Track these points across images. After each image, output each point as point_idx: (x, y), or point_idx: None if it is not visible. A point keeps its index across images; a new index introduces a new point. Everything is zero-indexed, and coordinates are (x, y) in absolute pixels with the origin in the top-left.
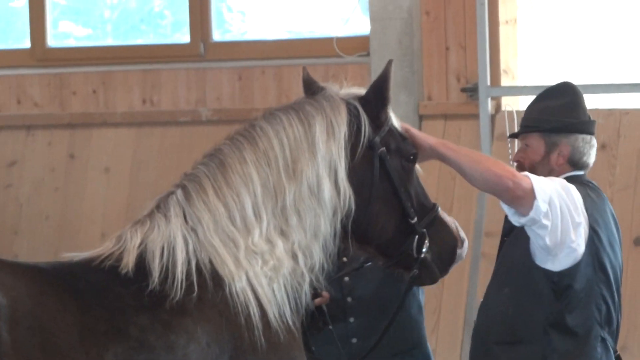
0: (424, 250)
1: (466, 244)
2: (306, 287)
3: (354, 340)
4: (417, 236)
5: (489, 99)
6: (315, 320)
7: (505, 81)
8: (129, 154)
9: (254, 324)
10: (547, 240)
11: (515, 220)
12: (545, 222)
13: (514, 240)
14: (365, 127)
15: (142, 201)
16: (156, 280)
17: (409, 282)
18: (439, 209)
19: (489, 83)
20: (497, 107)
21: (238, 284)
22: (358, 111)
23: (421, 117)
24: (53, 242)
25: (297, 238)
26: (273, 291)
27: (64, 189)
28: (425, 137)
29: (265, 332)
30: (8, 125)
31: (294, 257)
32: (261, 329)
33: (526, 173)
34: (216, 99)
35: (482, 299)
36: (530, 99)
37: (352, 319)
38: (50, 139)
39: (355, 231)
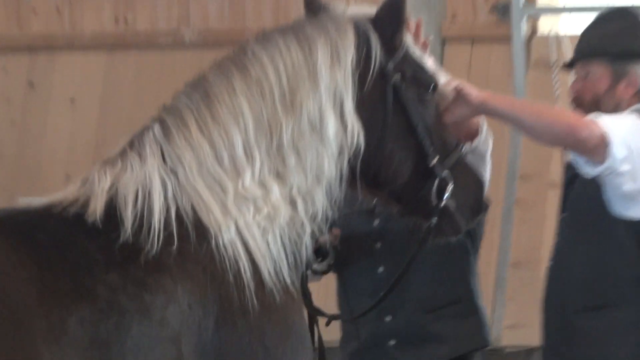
0: (445, 196)
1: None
2: (307, 239)
3: (380, 269)
4: (437, 180)
5: (524, 20)
6: (319, 260)
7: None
8: (98, 82)
9: (244, 282)
10: (628, 186)
11: (588, 171)
12: (624, 168)
13: (582, 189)
14: (377, 52)
15: (113, 138)
16: (129, 230)
17: (425, 232)
18: (464, 148)
19: (523, 1)
20: (534, 30)
21: (226, 235)
22: (368, 33)
23: (444, 41)
24: (7, 185)
25: (296, 181)
26: (267, 244)
27: (21, 122)
28: (474, 92)
29: (258, 292)
30: None
31: (293, 203)
32: (253, 288)
33: (594, 115)
34: (202, 18)
35: (550, 261)
36: (572, 19)
37: (381, 269)
38: (4, 63)
39: (366, 173)
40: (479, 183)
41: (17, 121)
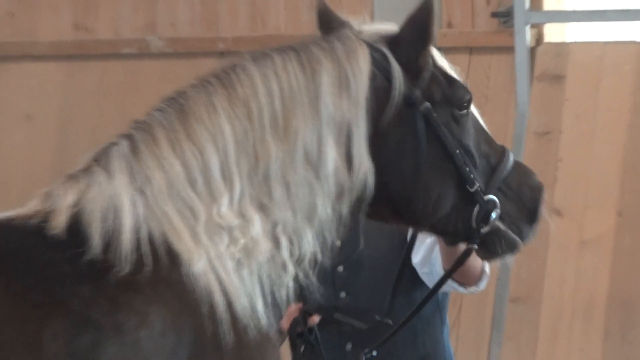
0: (491, 219)
1: (487, 276)
2: (288, 281)
3: (349, 346)
4: (478, 207)
5: (528, 27)
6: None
7: (548, 4)
8: (57, 95)
9: (217, 315)
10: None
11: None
12: None
13: None
14: (399, 80)
15: (74, 156)
16: (97, 246)
17: (462, 256)
18: (511, 155)
19: (527, 6)
20: (539, 38)
21: (197, 265)
22: (387, 59)
23: (440, 50)
24: None
25: (281, 218)
26: (242, 278)
27: None
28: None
29: (232, 328)
30: None
31: (275, 241)
32: (227, 323)
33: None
34: (170, 26)
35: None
36: (581, 26)
37: (343, 294)
38: None
39: (404, 212)
40: (534, 188)
41: None
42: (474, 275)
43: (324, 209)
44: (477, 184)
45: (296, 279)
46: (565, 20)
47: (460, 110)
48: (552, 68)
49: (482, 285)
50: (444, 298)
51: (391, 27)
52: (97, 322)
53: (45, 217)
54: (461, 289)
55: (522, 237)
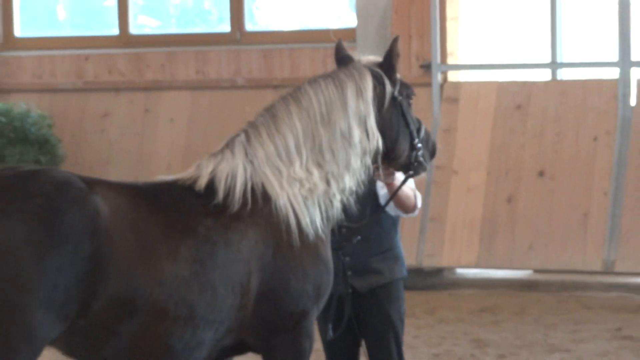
0: (419, 155)
1: (418, 208)
2: (337, 204)
3: (347, 259)
4: (417, 149)
5: (439, 73)
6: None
7: (450, 60)
8: (187, 109)
9: (291, 229)
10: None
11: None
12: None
13: None
14: (389, 87)
15: (196, 142)
16: (221, 196)
17: (405, 177)
18: (424, 125)
19: (439, 61)
20: (444, 79)
21: (280, 201)
22: (382, 76)
23: None
24: (132, 170)
25: (330, 169)
26: (307, 207)
27: (141, 133)
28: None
29: (300, 235)
30: (102, 89)
31: (327, 182)
32: (296, 233)
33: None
34: (248, 72)
35: None
36: (467, 73)
37: (347, 258)
38: (131, 98)
39: (386, 157)
40: (434, 142)
41: (138, 133)
42: (409, 206)
43: (355, 162)
44: (417, 139)
45: (341, 201)
46: (458, 69)
47: (410, 100)
48: (452, 95)
49: (416, 212)
50: (397, 219)
51: (377, 58)
52: (213, 240)
53: (195, 179)
54: (404, 215)
55: (428, 163)
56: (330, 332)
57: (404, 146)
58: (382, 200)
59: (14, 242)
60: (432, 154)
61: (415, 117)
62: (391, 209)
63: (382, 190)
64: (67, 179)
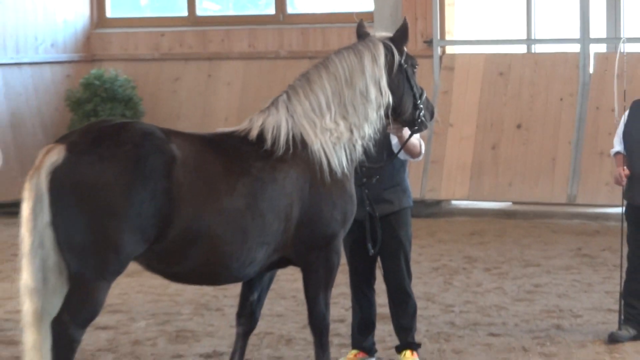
0: (422, 114)
1: (422, 154)
2: (359, 148)
3: (366, 191)
4: (419, 109)
5: (439, 47)
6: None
7: (448, 37)
8: (240, 75)
9: (323, 168)
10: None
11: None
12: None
13: None
14: (397, 56)
15: (247, 101)
16: (269, 144)
17: (412, 132)
18: (424, 90)
19: (439, 38)
20: (443, 52)
21: (315, 146)
22: (392, 47)
23: None
24: (197, 123)
25: (353, 120)
26: (336, 150)
27: (204, 93)
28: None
29: (330, 173)
30: (174, 58)
31: (351, 131)
32: (327, 171)
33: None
34: (289, 46)
35: None
36: (461, 47)
37: (366, 190)
38: (197, 66)
39: (393, 113)
40: (432, 105)
41: (202, 92)
42: (415, 152)
43: (372, 114)
44: (419, 100)
45: (362, 146)
46: (454, 44)
47: (414, 68)
48: (449, 64)
49: (420, 157)
50: (405, 161)
51: (388, 34)
52: (263, 178)
53: (248, 131)
54: (411, 159)
55: (428, 123)
56: (371, 249)
57: (408, 104)
58: (395, 148)
59: (109, 179)
60: (432, 115)
61: (419, 85)
62: (401, 154)
63: (394, 140)
64: (150, 130)
